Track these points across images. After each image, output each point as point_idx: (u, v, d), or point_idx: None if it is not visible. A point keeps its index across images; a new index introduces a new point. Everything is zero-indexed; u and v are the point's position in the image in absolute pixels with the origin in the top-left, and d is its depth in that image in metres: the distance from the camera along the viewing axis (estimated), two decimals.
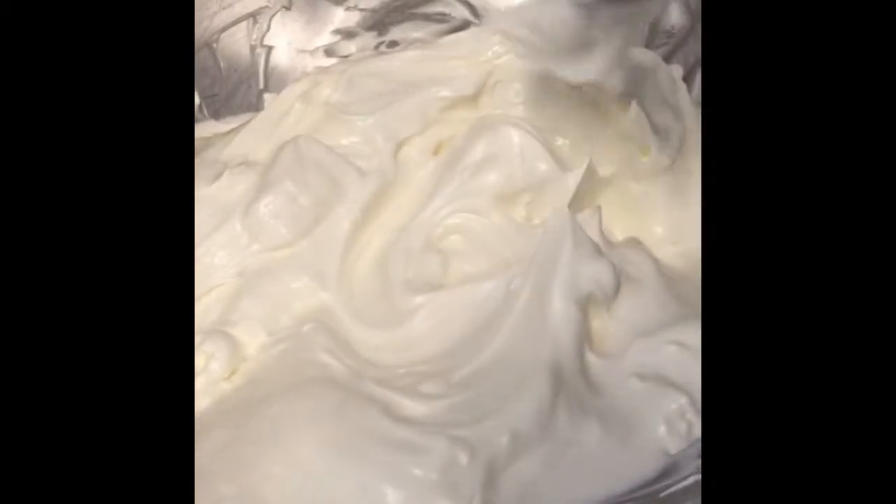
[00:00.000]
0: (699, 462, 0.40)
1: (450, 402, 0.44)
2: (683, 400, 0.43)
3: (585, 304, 0.47)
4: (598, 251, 0.48)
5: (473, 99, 0.60)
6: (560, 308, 0.46)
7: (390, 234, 0.56)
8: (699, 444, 0.41)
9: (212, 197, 0.55)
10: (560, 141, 0.57)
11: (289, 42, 0.66)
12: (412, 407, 0.44)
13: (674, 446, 0.42)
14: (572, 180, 0.53)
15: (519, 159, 0.55)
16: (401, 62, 0.62)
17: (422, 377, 0.46)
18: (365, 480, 0.41)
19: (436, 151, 0.59)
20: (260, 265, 0.54)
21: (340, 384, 0.46)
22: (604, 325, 0.48)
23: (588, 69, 0.51)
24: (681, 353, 0.44)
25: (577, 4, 0.49)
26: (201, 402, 0.48)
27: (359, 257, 0.55)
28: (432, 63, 0.61)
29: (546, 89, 0.56)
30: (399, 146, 0.58)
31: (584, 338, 0.46)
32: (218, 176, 0.56)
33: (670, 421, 0.42)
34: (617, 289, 0.47)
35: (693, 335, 0.44)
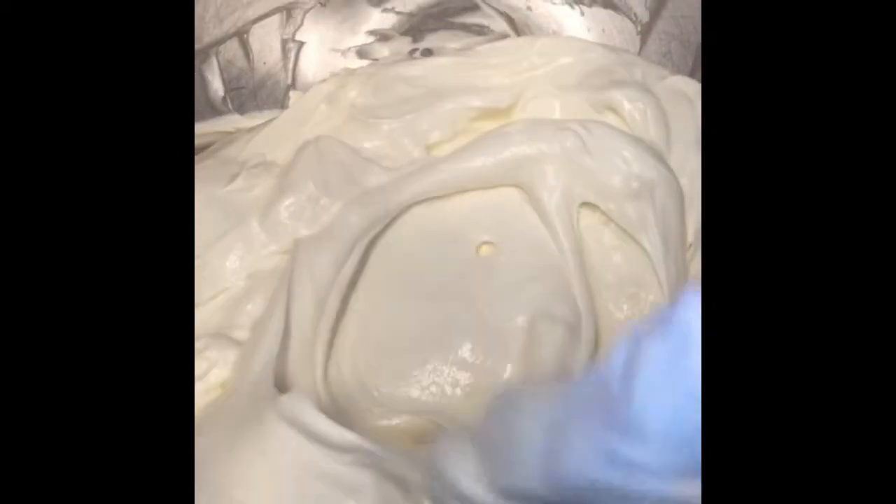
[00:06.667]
0: None
1: None
2: None
3: None
4: None
5: (506, 113, 0.57)
6: None
7: None
8: None
9: (226, 199, 0.53)
10: None
11: (321, 39, 0.64)
12: None
13: None
14: None
15: None
16: (431, 68, 0.59)
17: None
18: None
19: None
20: (273, 266, 0.52)
21: None
22: None
23: None
24: None
25: None
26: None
27: None
28: (464, 71, 0.59)
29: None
30: (428, 150, 0.57)
31: None
32: (234, 177, 0.54)
33: None
34: None
35: None
